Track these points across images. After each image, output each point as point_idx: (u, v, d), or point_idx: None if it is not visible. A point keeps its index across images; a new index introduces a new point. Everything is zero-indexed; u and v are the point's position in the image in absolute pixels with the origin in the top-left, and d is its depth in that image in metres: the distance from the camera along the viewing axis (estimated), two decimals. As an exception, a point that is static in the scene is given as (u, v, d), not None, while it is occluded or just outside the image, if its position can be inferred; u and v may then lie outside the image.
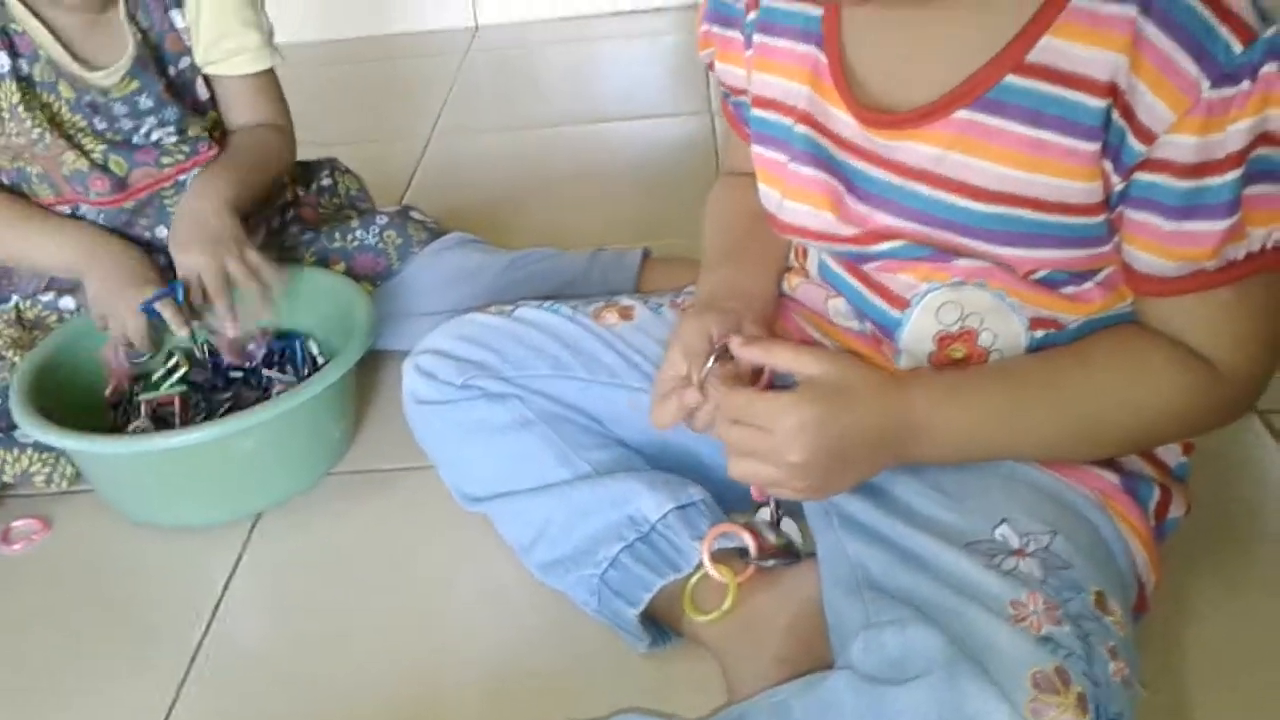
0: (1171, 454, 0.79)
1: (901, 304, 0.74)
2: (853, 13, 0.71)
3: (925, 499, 0.73)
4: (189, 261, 1.07)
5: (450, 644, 0.90)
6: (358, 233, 1.22)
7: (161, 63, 1.12)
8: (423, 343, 0.93)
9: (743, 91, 0.80)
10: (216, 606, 0.96)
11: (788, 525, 0.82)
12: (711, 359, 0.74)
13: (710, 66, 0.83)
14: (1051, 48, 0.63)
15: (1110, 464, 0.74)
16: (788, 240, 0.83)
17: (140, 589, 1.00)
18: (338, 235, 1.22)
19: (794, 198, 0.76)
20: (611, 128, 1.85)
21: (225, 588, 0.98)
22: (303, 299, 1.15)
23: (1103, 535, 0.71)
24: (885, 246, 0.73)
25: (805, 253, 0.84)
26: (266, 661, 0.91)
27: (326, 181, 1.32)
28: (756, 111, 0.78)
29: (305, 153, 1.37)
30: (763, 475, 0.69)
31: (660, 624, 0.85)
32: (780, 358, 0.71)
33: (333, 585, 0.98)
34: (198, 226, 1.08)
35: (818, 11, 0.73)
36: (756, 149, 0.78)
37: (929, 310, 0.73)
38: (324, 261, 1.21)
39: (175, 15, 1.12)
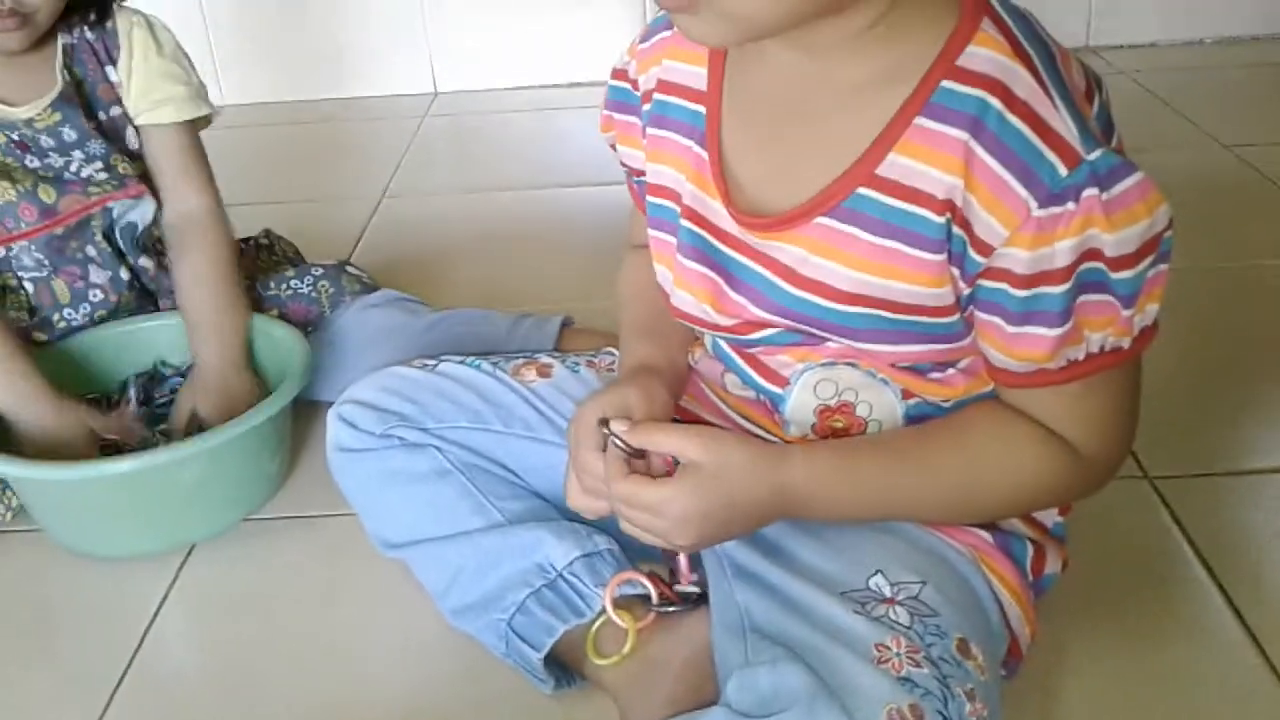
0: (1048, 515, 0.84)
1: (782, 382, 0.79)
2: (731, 116, 0.74)
3: (807, 548, 0.77)
4: (207, 411, 1.13)
5: (365, 685, 0.92)
6: (293, 282, 1.27)
7: (91, 106, 1.18)
8: (347, 393, 0.96)
9: (641, 173, 0.84)
10: (141, 641, 0.98)
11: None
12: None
13: (613, 147, 0.88)
14: (898, 163, 0.66)
15: (984, 524, 0.79)
16: None
17: (67, 622, 1.02)
18: (273, 284, 1.27)
19: (681, 286, 0.80)
20: (562, 193, 1.90)
21: (151, 622, 1.00)
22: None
23: (972, 586, 0.76)
24: (761, 335, 0.77)
25: None
26: (186, 698, 0.93)
27: (264, 241, 1.36)
28: (651, 198, 0.81)
29: (257, 212, 1.42)
30: (653, 541, 0.75)
31: (566, 667, 0.88)
32: (663, 444, 0.73)
33: (255, 624, 1.00)
34: (222, 383, 1.15)
35: (702, 109, 0.76)
36: (652, 232, 0.82)
37: (807, 387, 0.77)
38: (258, 309, 1.25)
39: (110, 70, 1.19)
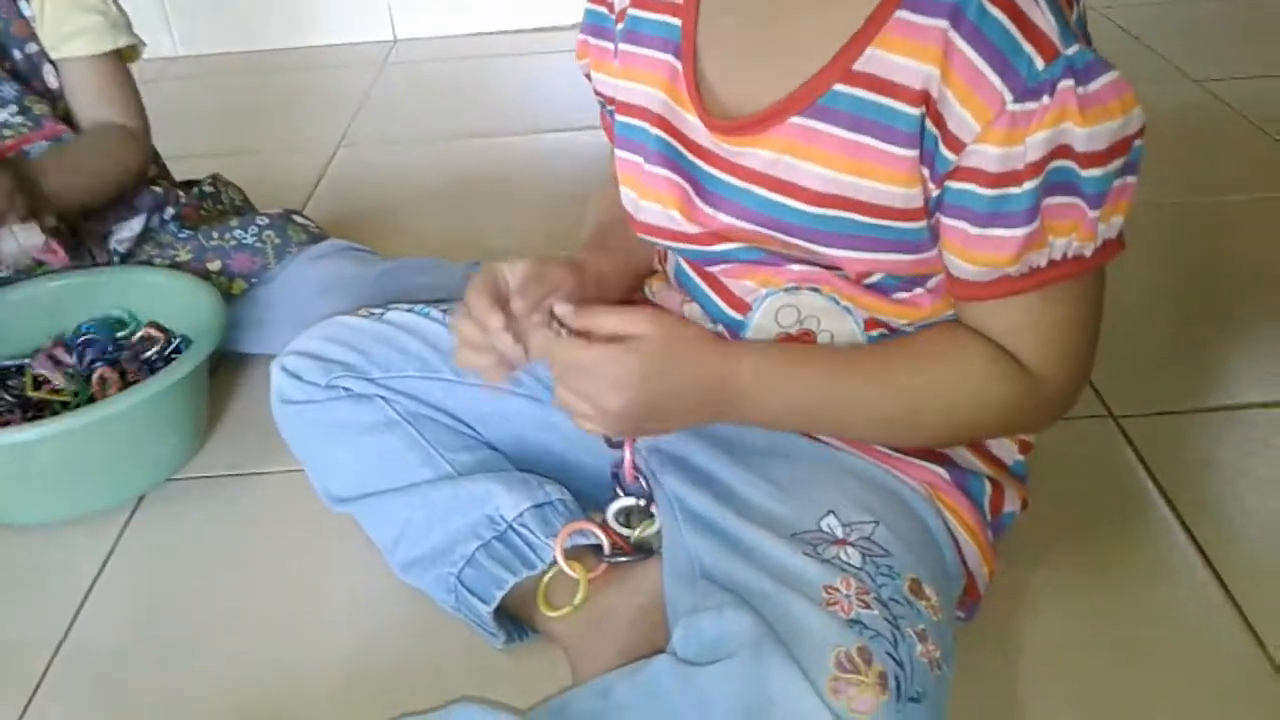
0: (1008, 452, 0.82)
1: (744, 308, 0.77)
2: (707, 24, 0.74)
3: (759, 491, 0.75)
4: None
5: (313, 644, 0.90)
6: (236, 232, 1.23)
7: (2, 47, 1.14)
8: (290, 344, 0.93)
9: (612, 101, 0.82)
10: (79, 609, 0.96)
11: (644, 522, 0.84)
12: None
13: (588, 75, 0.85)
14: (875, 57, 0.65)
15: (941, 458, 0.77)
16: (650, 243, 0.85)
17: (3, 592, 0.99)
18: (215, 234, 1.23)
19: (647, 198, 0.78)
20: (523, 141, 1.86)
21: (90, 588, 0.98)
22: (156, 301, 1.16)
23: (928, 525, 0.74)
24: (724, 248, 0.75)
25: (666, 258, 0.86)
26: (124, 665, 0.90)
27: (209, 189, 1.32)
28: (620, 117, 0.80)
29: (208, 164, 1.37)
30: (580, 410, 0.71)
31: (517, 620, 0.86)
32: (606, 322, 0.71)
33: (199, 586, 0.98)
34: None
35: (678, 21, 0.75)
36: (619, 153, 0.80)
37: (769, 313, 0.76)
38: (200, 259, 1.21)
39: (23, 4, 1.15)
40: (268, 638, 0.91)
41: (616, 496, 0.83)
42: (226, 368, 1.23)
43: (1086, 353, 0.72)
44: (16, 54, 1.15)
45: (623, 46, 0.78)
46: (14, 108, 1.13)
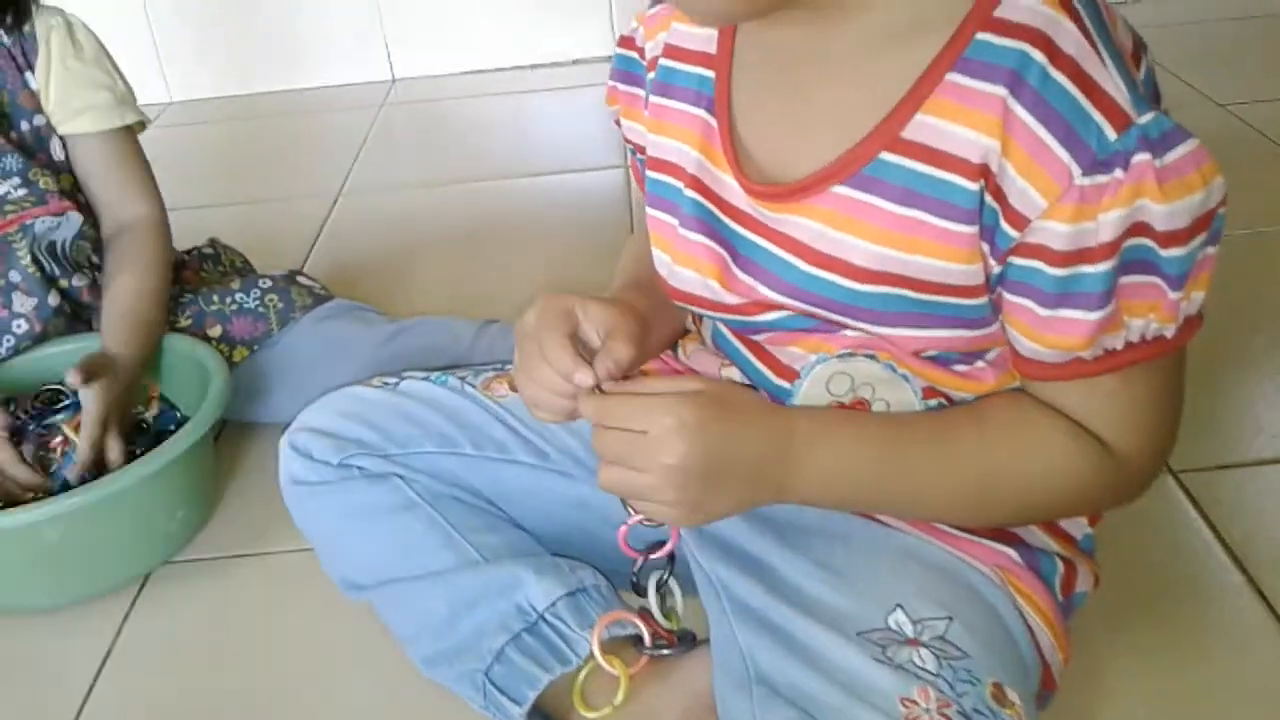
0: (1077, 526, 0.76)
1: (790, 375, 0.71)
2: (743, 78, 0.69)
3: (814, 580, 0.69)
4: (104, 395, 1.02)
5: (330, 745, 0.84)
6: (238, 295, 1.18)
7: (9, 118, 1.09)
8: (299, 419, 0.87)
9: (642, 150, 0.77)
10: (81, 706, 0.89)
11: (672, 593, 0.78)
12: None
13: (617, 122, 0.81)
14: (926, 125, 0.60)
15: (1011, 538, 0.71)
16: None
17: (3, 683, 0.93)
18: (216, 298, 1.18)
19: (683, 264, 0.72)
20: (530, 183, 1.81)
21: (93, 684, 0.92)
22: (165, 364, 1.11)
23: (1001, 616, 0.68)
24: (770, 317, 0.69)
25: (701, 319, 0.80)
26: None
27: (209, 251, 1.27)
28: (651, 173, 0.75)
29: (204, 216, 1.32)
30: (633, 483, 0.63)
31: (549, 718, 0.79)
32: (657, 387, 0.64)
33: (207, 675, 0.92)
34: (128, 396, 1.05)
35: (711, 74, 0.70)
36: (650, 211, 0.75)
37: (818, 382, 0.70)
38: (200, 324, 1.16)
39: (29, 76, 1.10)
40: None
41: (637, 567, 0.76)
42: (229, 439, 1.17)
43: (1169, 430, 0.66)
44: (24, 125, 1.11)
45: (654, 99, 0.73)
46: (17, 180, 1.09)
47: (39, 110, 1.10)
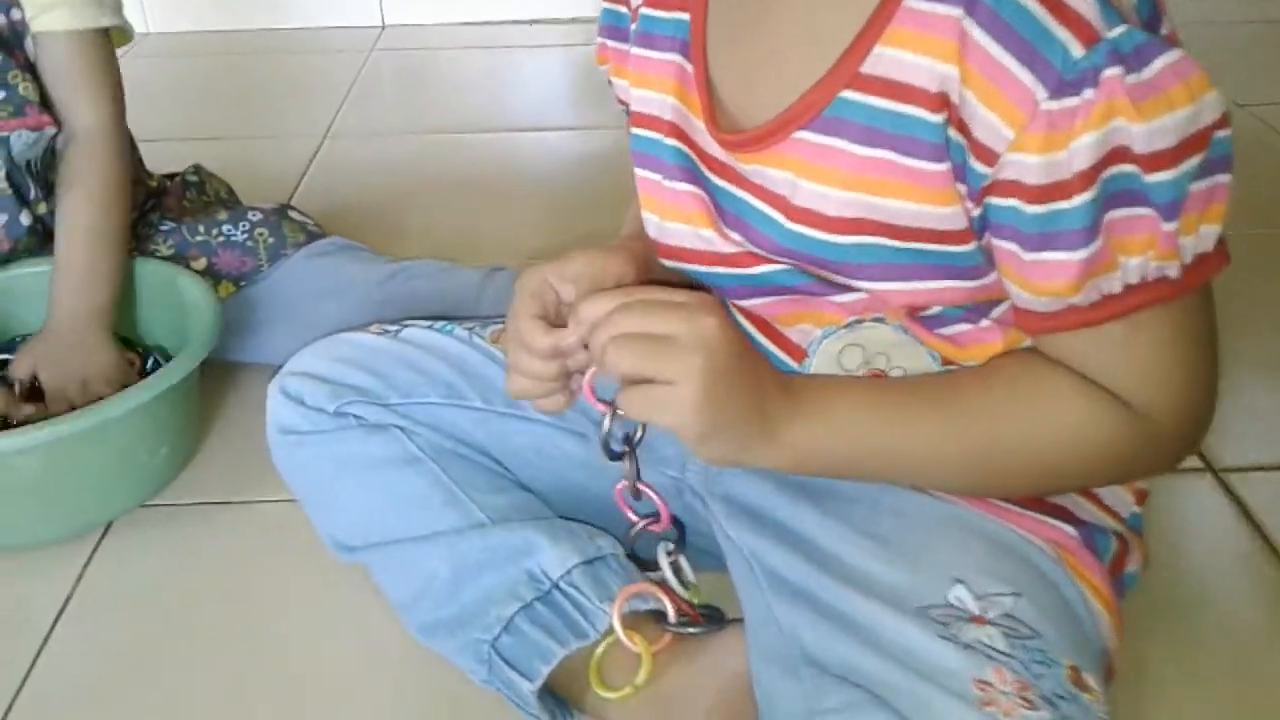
0: (1123, 503, 0.70)
1: (800, 354, 0.66)
2: (718, 18, 0.64)
3: (861, 550, 0.63)
4: (50, 375, 0.94)
5: (311, 715, 0.76)
6: (225, 227, 1.09)
7: None
8: (291, 363, 0.80)
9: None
10: (40, 648, 0.82)
11: (682, 569, 0.72)
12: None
13: (610, 82, 0.75)
14: (884, 57, 0.55)
15: (1064, 514, 0.65)
16: None
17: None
18: (201, 229, 1.09)
19: (672, 217, 0.67)
20: (517, 138, 1.75)
21: (51, 627, 0.84)
22: (140, 295, 1.02)
23: (1064, 594, 0.62)
24: (764, 269, 0.63)
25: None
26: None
27: (193, 178, 1.18)
28: (634, 129, 0.69)
29: (186, 149, 1.23)
30: (657, 398, 0.56)
31: (560, 697, 0.73)
32: (674, 295, 0.58)
33: (170, 633, 0.84)
34: (76, 340, 0.96)
35: (685, 15, 0.65)
36: (636, 170, 0.70)
37: (829, 356, 0.65)
38: (183, 256, 1.07)
39: None
40: (254, 706, 0.77)
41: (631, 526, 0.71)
42: (211, 378, 1.09)
43: (1199, 384, 0.58)
44: (0, 19, 1.00)
45: (635, 51, 0.68)
46: None
47: (15, 3, 1.00)
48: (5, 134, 0.99)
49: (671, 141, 0.66)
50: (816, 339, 0.65)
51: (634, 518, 0.70)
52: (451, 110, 1.87)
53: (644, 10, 0.68)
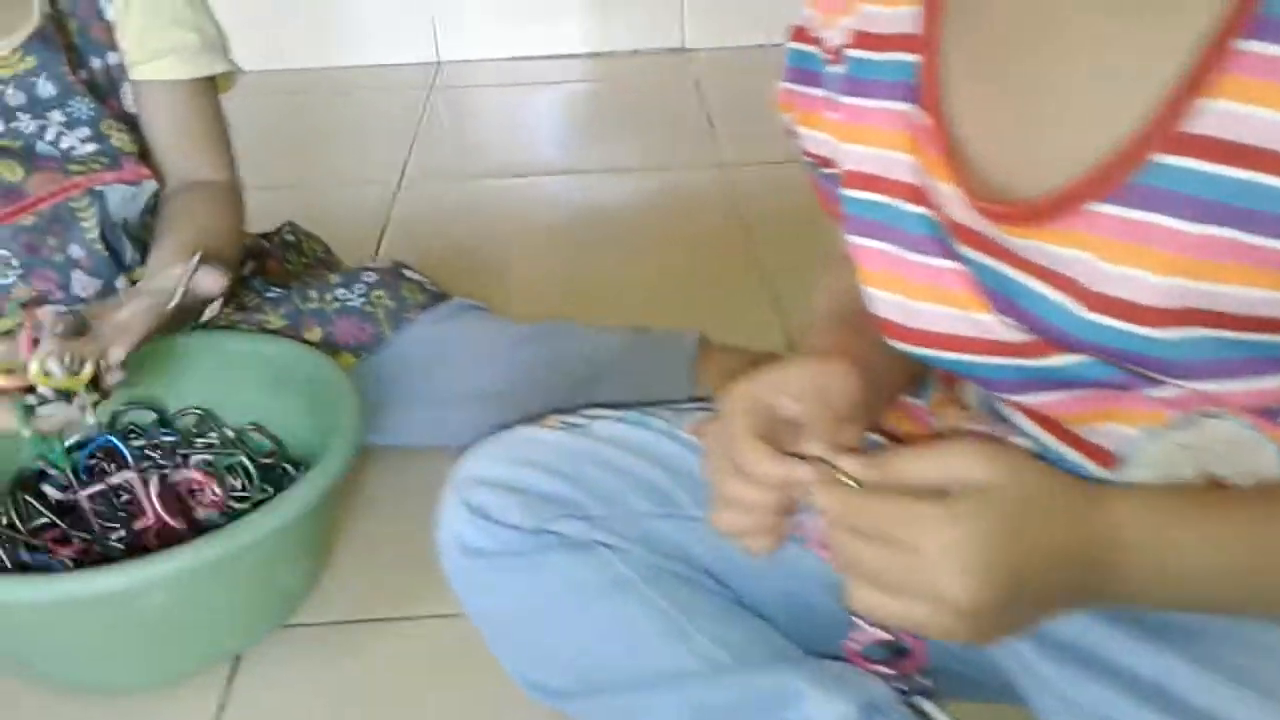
0: None
1: (1108, 459, 0.55)
2: (955, 61, 0.55)
3: (1235, 702, 0.51)
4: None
5: None
6: (339, 291, 0.97)
7: (79, 52, 0.88)
8: (466, 467, 0.69)
9: (829, 163, 0.63)
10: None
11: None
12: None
13: (792, 132, 0.65)
14: (1215, 112, 0.46)
15: None
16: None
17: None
18: (314, 294, 0.97)
19: (926, 298, 0.56)
20: (594, 180, 1.65)
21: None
22: (266, 378, 0.90)
23: None
24: (1059, 362, 0.53)
25: (951, 377, 0.63)
26: None
27: (290, 237, 1.07)
28: (850, 193, 0.59)
29: (255, 197, 1.12)
30: (898, 613, 0.48)
31: None
32: (925, 471, 0.49)
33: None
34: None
35: (915, 59, 0.56)
36: (856, 241, 0.59)
37: (1154, 467, 0.54)
38: (296, 326, 0.95)
39: (104, 5, 0.89)
40: None
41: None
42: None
43: None
44: (95, 63, 0.89)
45: (845, 100, 0.59)
46: (87, 131, 0.87)
47: (113, 46, 0.89)
48: (100, 188, 0.88)
49: (916, 208, 0.56)
50: (1136, 444, 0.54)
51: (885, 670, 0.60)
52: (520, 150, 1.79)
53: (854, 53, 0.59)
